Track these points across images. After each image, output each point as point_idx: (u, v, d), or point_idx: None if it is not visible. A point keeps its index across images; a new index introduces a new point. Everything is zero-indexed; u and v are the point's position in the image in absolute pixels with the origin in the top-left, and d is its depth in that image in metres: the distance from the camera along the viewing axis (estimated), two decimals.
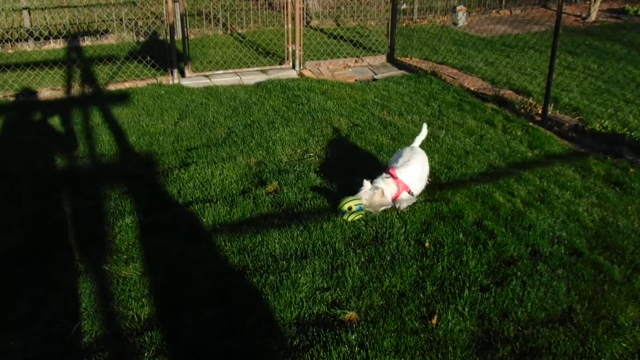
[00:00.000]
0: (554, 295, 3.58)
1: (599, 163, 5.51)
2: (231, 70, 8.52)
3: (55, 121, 6.54)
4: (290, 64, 8.79)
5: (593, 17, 12.73)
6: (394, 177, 4.48)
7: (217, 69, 8.52)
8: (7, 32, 10.00)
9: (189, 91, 7.56)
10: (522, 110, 6.96)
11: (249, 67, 8.70)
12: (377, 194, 4.38)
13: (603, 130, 6.22)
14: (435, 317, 3.36)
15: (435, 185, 4.94)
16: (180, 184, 4.92)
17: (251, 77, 8.30)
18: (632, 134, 6.11)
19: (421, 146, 4.96)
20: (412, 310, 3.43)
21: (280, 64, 8.90)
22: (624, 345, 3.20)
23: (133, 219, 4.38)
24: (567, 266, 3.88)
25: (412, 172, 4.55)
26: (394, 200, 4.48)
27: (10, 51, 9.50)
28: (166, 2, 7.78)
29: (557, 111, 6.89)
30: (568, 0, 14.03)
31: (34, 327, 3.34)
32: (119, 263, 3.87)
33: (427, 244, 4.06)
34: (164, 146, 5.77)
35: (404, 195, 4.51)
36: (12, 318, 3.41)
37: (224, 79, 8.21)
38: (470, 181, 5.06)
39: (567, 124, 6.51)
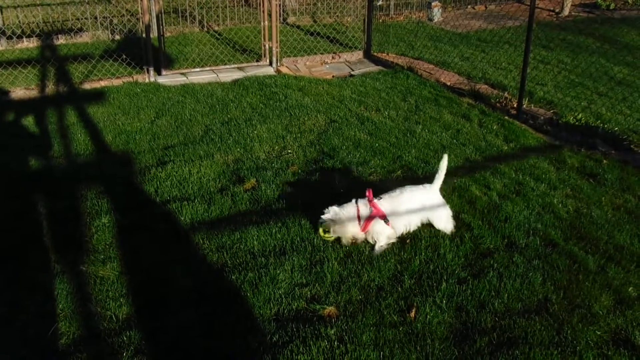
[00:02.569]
0: (529, 286, 3.63)
1: (573, 155, 5.59)
2: (208, 68, 8.48)
3: (29, 121, 6.45)
4: (267, 61, 8.77)
5: (566, 11, 12.90)
6: (369, 199, 3.96)
7: (194, 67, 8.48)
8: None
9: (166, 89, 7.51)
10: (498, 105, 7.03)
11: (225, 64, 8.66)
12: (343, 210, 3.91)
13: (577, 123, 6.31)
14: (414, 310, 3.39)
15: (412, 180, 4.97)
16: (158, 183, 4.89)
17: (228, 74, 8.27)
18: (605, 126, 6.20)
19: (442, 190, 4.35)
20: (391, 304, 3.45)
21: (257, 61, 8.88)
22: (599, 333, 3.25)
23: (110, 218, 4.35)
24: (543, 257, 3.93)
25: (398, 202, 4.01)
26: (365, 228, 3.92)
27: None
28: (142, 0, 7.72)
29: (532, 105, 6.97)
30: None
31: (10, 329, 3.30)
32: (96, 263, 3.84)
33: (407, 241, 4.09)
34: (140, 145, 5.72)
35: (379, 226, 3.92)
36: None
37: (200, 76, 8.17)
38: (447, 175, 5.07)
39: (542, 117, 6.59)
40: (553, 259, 3.91)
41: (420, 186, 4.20)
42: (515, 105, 6.88)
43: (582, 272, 3.77)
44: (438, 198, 4.22)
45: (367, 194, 3.99)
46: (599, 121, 6.32)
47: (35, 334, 3.25)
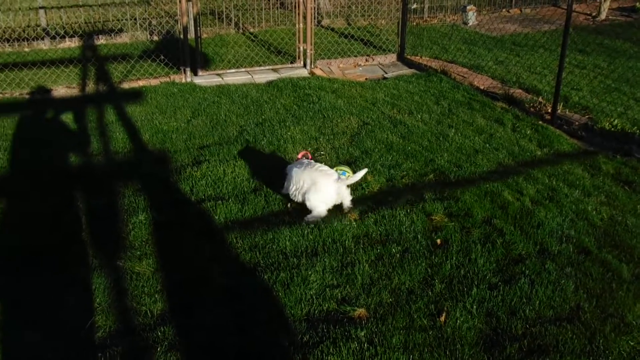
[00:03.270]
0: (562, 294, 3.62)
1: (608, 162, 5.53)
2: (243, 69, 8.59)
3: (70, 119, 6.64)
4: (302, 62, 8.84)
5: (603, 15, 12.68)
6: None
7: (229, 68, 8.59)
8: (23, 31, 10.13)
9: (202, 89, 7.64)
10: (532, 109, 6.97)
11: (260, 66, 8.76)
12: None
13: (612, 129, 6.23)
14: (444, 314, 3.41)
15: (444, 184, 4.99)
16: (193, 182, 5.00)
17: (263, 75, 8.36)
18: None
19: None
20: (421, 307, 3.47)
21: (291, 62, 8.96)
22: (632, 343, 3.23)
23: (146, 215, 4.46)
24: (576, 264, 3.91)
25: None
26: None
27: (26, 49, 9.63)
28: (180, 1, 7.86)
29: (567, 110, 6.90)
30: None
31: (50, 321, 3.42)
32: (132, 259, 3.95)
33: (438, 241, 4.11)
34: (176, 144, 5.85)
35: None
36: (28, 313, 3.50)
37: (235, 77, 8.28)
38: (480, 180, 5.09)
39: (577, 123, 6.52)
40: (586, 266, 3.89)
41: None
42: (549, 110, 6.81)
43: (615, 281, 3.74)
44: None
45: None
46: (635, 127, 6.22)
47: (73, 326, 3.37)
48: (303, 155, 4.97)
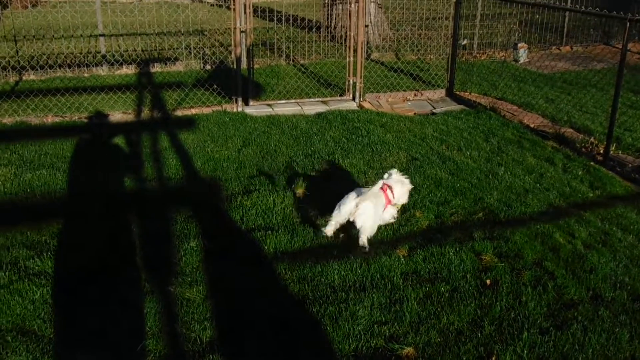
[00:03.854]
0: (616, 342, 3.53)
1: None
2: (293, 100, 8.75)
3: (125, 143, 6.87)
4: (351, 95, 8.94)
5: None
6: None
7: (280, 99, 8.76)
8: (84, 57, 10.55)
9: (252, 119, 7.80)
10: (583, 149, 6.88)
11: (310, 97, 8.90)
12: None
13: None
14: (493, 358, 3.37)
15: (494, 223, 4.95)
16: (243, 211, 5.09)
17: (312, 107, 8.49)
18: None
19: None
20: (470, 349, 3.44)
21: (340, 95, 9.08)
22: None
23: (198, 242, 4.56)
24: (630, 312, 3.82)
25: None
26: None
27: (86, 75, 10.02)
28: (234, 32, 8.10)
29: (620, 151, 6.78)
30: (632, 38, 13.75)
31: (103, 342, 3.51)
32: (183, 285, 4.03)
33: (488, 282, 4.07)
34: (227, 172, 5.97)
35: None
36: (82, 333, 3.60)
37: (285, 108, 8.43)
38: (530, 220, 5.04)
39: (630, 165, 6.40)
40: None
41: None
42: (601, 151, 6.70)
43: None
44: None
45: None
46: None
47: (125, 348, 3.45)
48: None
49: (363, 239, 4.44)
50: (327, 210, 4.77)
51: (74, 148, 6.67)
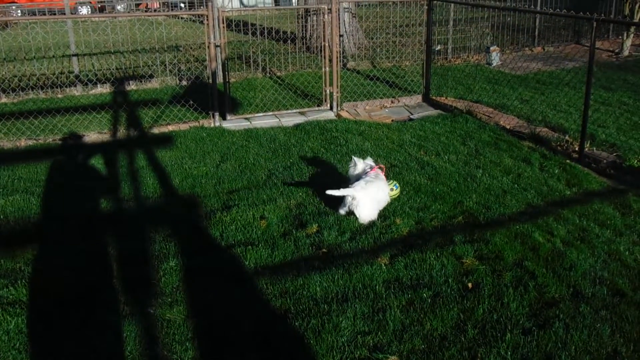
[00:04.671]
0: (598, 338, 3.55)
1: (638, 200, 5.45)
2: (270, 113, 8.74)
3: (101, 164, 6.80)
4: (328, 105, 8.96)
5: (626, 52, 12.69)
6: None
7: (257, 112, 8.75)
8: (57, 78, 10.46)
9: (230, 134, 7.77)
10: (559, 148, 6.94)
11: (287, 109, 8.89)
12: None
13: None
14: None
15: (474, 226, 4.96)
16: (223, 227, 5.05)
17: (290, 119, 8.49)
18: None
19: None
20: (454, 354, 3.43)
21: (318, 105, 9.09)
22: None
23: (177, 261, 4.51)
24: (611, 307, 3.84)
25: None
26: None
27: (59, 96, 9.92)
28: (209, 47, 8.08)
29: (594, 148, 6.86)
30: (600, 36, 13.98)
31: None
32: (163, 306, 3.97)
33: (469, 285, 4.08)
34: (206, 188, 5.93)
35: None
36: None
37: (263, 121, 8.42)
38: (509, 221, 5.06)
39: (605, 161, 6.47)
40: (621, 309, 3.82)
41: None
42: (576, 149, 6.78)
43: None
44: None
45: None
46: None
47: None
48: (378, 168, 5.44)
49: (363, 223, 5.05)
50: (307, 222, 4.75)
51: (48, 171, 6.58)
